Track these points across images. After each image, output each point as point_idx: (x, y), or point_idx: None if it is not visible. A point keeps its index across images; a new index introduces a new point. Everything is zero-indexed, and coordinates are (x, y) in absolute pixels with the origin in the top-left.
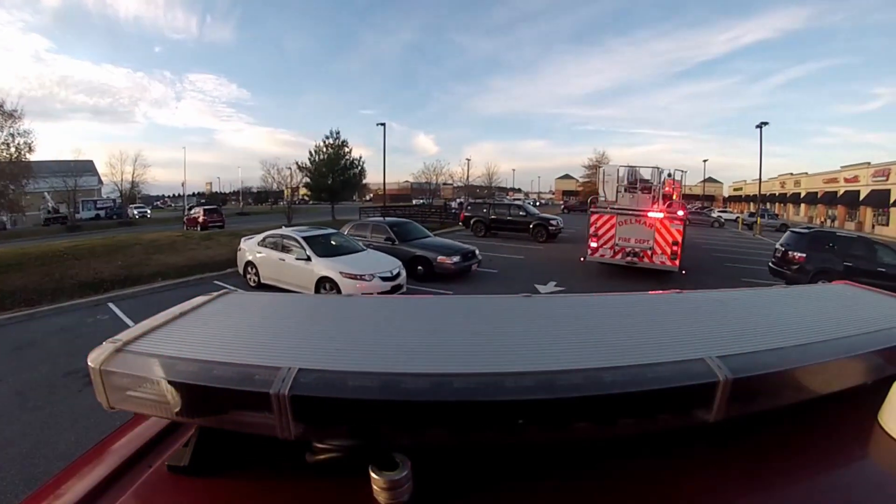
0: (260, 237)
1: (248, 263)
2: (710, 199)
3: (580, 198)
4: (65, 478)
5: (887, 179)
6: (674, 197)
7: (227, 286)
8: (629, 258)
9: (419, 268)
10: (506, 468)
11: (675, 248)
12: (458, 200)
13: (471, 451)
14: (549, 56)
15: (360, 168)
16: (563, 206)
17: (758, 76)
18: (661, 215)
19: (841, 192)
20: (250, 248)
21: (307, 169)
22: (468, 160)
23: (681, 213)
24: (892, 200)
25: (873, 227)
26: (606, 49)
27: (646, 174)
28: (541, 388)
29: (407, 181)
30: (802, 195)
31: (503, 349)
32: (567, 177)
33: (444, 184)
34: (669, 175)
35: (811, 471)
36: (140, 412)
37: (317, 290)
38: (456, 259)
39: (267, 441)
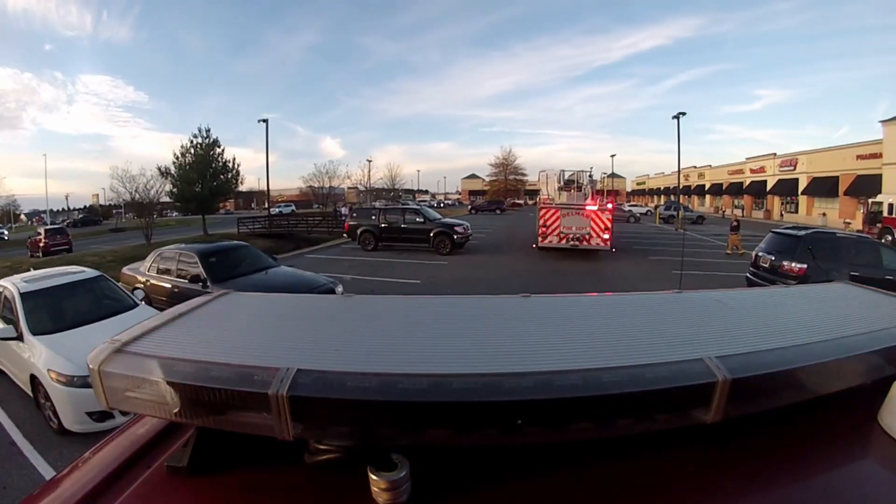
0: None
1: None
2: (615, 193)
3: (487, 197)
4: (65, 478)
5: (795, 168)
6: (604, 193)
7: None
8: (572, 242)
9: None
10: (505, 469)
11: (607, 232)
12: (346, 205)
13: (470, 452)
14: (454, 59)
15: (234, 171)
16: (469, 207)
17: (652, 80)
18: (595, 207)
19: (747, 182)
20: None
21: (170, 174)
22: (369, 161)
23: (609, 205)
24: (801, 189)
25: (782, 214)
26: (510, 53)
27: (570, 175)
28: (539, 389)
29: (310, 186)
30: (707, 187)
31: (502, 349)
32: (473, 176)
33: (350, 188)
34: (591, 177)
35: (811, 471)
36: (139, 413)
37: (34, 396)
38: None
39: (266, 441)
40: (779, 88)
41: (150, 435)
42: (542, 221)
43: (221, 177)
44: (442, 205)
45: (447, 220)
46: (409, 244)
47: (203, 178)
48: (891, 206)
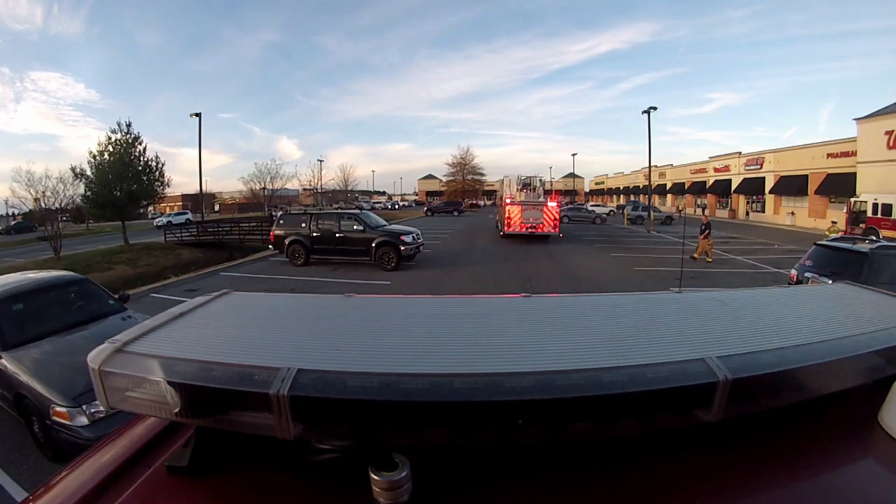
0: None
1: None
2: (573, 193)
3: (445, 198)
4: (65, 478)
5: (761, 167)
6: (552, 192)
7: None
8: (531, 229)
9: None
10: (505, 468)
11: (555, 221)
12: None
13: (470, 452)
14: (413, 60)
15: (158, 172)
16: (425, 208)
17: (608, 83)
18: (551, 204)
19: (711, 181)
20: None
21: (85, 176)
22: (320, 161)
23: (553, 203)
24: (768, 188)
25: (748, 213)
26: (468, 55)
27: (525, 179)
28: (540, 389)
29: (264, 188)
30: (669, 186)
31: (503, 349)
32: (430, 177)
33: (306, 189)
34: (541, 181)
35: (811, 471)
36: (139, 413)
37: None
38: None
39: (266, 441)
40: (730, 92)
41: (150, 435)
42: (507, 214)
43: (144, 178)
44: (397, 206)
45: (393, 226)
46: (346, 257)
47: (122, 179)
48: (875, 205)
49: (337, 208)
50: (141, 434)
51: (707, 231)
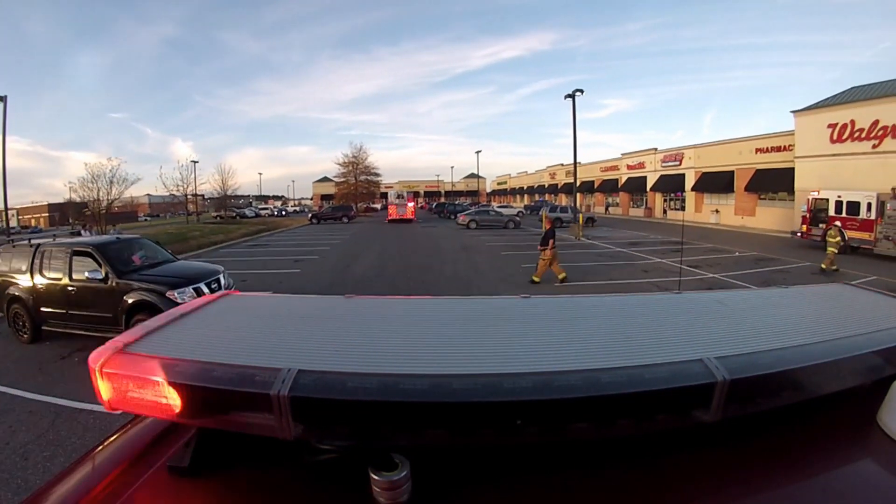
0: None
1: None
2: (475, 193)
3: (336, 201)
4: (66, 478)
5: (680, 164)
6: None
7: None
8: (401, 216)
9: None
10: (504, 468)
11: (412, 211)
12: (88, 228)
13: (470, 452)
14: (318, 60)
15: None
16: (310, 215)
17: (509, 87)
18: (410, 204)
19: (623, 179)
20: None
21: None
22: (195, 163)
23: (410, 204)
24: (689, 185)
25: (665, 212)
26: (374, 57)
27: (398, 192)
28: (539, 389)
29: (97, 198)
30: (578, 185)
31: (501, 350)
32: (326, 179)
33: (194, 194)
34: (407, 192)
35: (811, 471)
36: (141, 413)
37: None
38: None
39: (267, 442)
40: (623, 98)
41: (151, 435)
42: (391, 210)
43: None
44: (284, 212)
45: (175, 266)
46: (86, 327)
47: None
48: (839, 203)
49: (217, 216)
50: (142, 434)
51: (551, 242)
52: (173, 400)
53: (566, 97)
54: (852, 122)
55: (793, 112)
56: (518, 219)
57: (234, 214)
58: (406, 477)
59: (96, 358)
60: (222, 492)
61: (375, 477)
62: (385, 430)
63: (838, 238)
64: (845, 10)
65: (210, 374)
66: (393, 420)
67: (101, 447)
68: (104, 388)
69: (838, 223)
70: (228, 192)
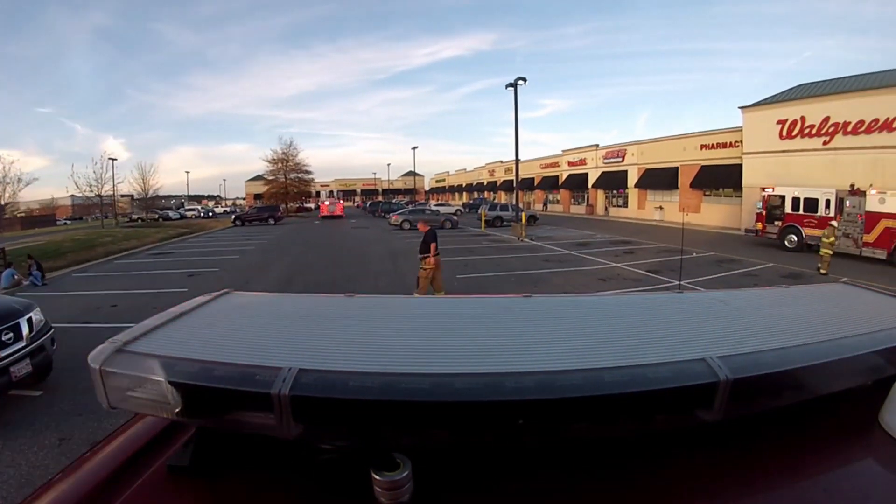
0: None
1: None
2: (413, 191)
3: (266, 200)
4: (64, 478)
5: (623, 160)
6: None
7: None
8: (331, 213)
9: None
10: (506, 468)
11: (341, 208)
12: None
13: (471, 452)
14: (256, 55)
15: None
16: (233, 217)
17: (450, 86)
18: (339, 202)
19: (564, 176)
20: None
21: None
22: (113, 160)
23: (339, 201)
24: (632, 182)
25: (606, 209)
26: (314, 53)
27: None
28: (541, 389)
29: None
30: (518, 181)
31: (503, 349)
32: (259, 178)
33: (123, 195)
34: (340, 192)
35: (812, 471)
36: (140, 412)
37: None
38: None
39: (267, 441)
40: (561, 99)
41: (150, 434)
42: (322, 208)
43: None
44: (211, 213)
45: None
46: None
47: None
48: (796, 199)
49: (138, 218)
50: (141, 433)
51: (433, 247)
52: (173, 399)
53: (508, 86)
54: (802, 118)
55: (741, 108)
56: (455, 218)
57: (157, 216)
58: (407, 477)
59: (96, 357)
60: (222, 491)
61: (377, 477)
62: (386, 429)
63: (833, 238)
64: (771, 21)
65: (210, 373)
66: (394, 420)
67: (100, 446)
68: (104, 387)
69: (834, 222)
70: (149, 193)
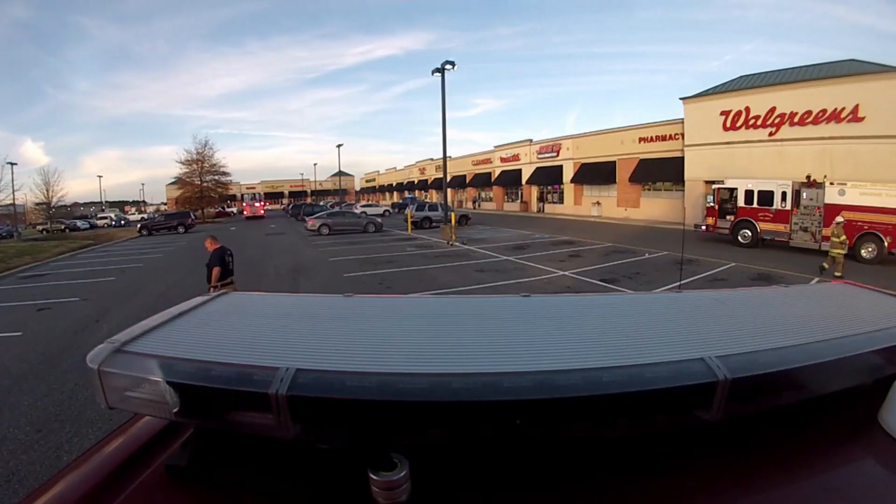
0: None
1: None
2: (343, 192)
3: (178, 205)
4: (63, 478)
5: (558, 155)
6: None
7: None
8: (254, 213)
9: None
10: (504, 469)
11: (262, 208)
12: None
13: (469, 452)
14: (184, 52)
15: None
16: (139, 227)
17: (382, 85)
18: (259, 204)
19: (497, 172)
20: None
21: None
22: (12, 164)
23: (259, 203)
24: (568, 177)
25: (542, 205)
26: (245, 51)
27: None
28: (539, 389)
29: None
30: (448, 180)
31: (501, 349)
32: (180, 181)
33: (38, 203)
34: (261, 194)
35: (811, 471)
36: (139, 412)
37: None
38: None
39: (265, 441)
40: (493, 98)
41: (149, 434)
42: (245, 209)
43: None
44: (123, 221)
45: None
46: None
47: None
48: (749, 192)
49: (43, 229)
50: (140, 433)
51: (216, 273)
52: (171, 399)
53: (434, 72)
54: (747, 108)
55: (682, 99)
56: (380, 220)
57: (64, 227)
58: (405, 477)
59: (95, 357)
60: (220, 492)
61: (374, 477)
62: (384, 429)
63: (844, 237)
64: (694, 26)
65: (208, 373)
66: (392, 419)
67: (99, 446)
68: (102, 388)
69: (840, 218)
70: (53, 201)
